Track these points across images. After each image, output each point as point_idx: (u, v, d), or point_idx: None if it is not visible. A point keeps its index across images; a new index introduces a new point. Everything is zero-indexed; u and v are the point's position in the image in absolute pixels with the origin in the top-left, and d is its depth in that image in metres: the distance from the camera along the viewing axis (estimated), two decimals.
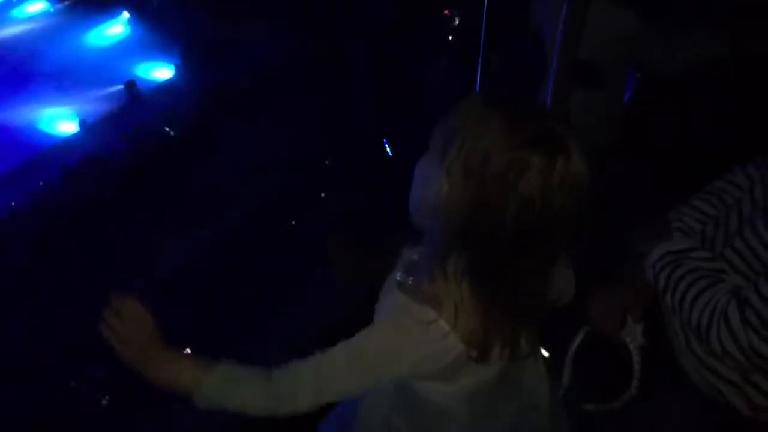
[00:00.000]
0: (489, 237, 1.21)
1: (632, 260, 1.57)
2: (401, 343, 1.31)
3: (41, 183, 9.98)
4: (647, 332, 1.68)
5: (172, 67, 14.40)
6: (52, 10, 16.34)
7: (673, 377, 1.62)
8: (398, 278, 1.37)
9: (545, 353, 1.51)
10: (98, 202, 9.96)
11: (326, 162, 9.30)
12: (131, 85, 14.43)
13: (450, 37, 11.26)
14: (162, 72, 14.81)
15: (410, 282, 1.33)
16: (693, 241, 1.52)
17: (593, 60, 2.85)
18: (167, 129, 11.43)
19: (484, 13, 2.72)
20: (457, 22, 11.43)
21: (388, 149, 6.27)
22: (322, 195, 7.96)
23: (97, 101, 13.27)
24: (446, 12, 11.75)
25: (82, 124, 12.62)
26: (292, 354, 1.36)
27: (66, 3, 16.23)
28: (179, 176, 9.81)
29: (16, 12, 16.43)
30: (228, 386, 1.36)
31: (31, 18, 16.29)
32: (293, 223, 5.67)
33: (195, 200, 9.14)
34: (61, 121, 12.79)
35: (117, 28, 15.45)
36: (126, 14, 15.47)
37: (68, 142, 12.25)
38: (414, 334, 1.29)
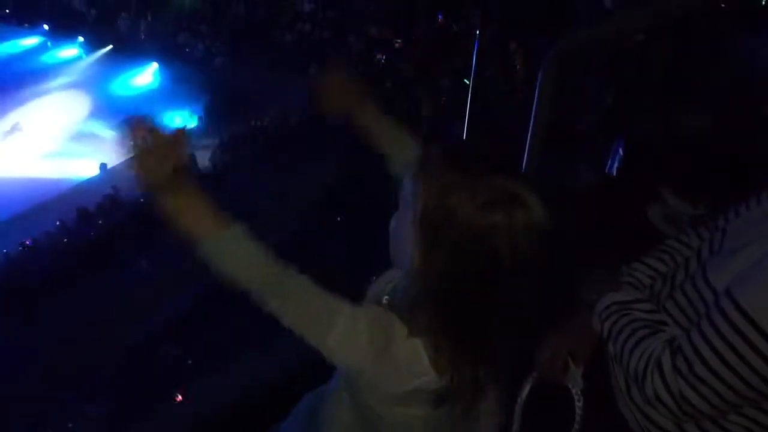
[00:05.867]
0: (459, 294, 1.21)
1: (582, 309, 1.55)
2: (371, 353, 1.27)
3: (58, 223, 10.13)
4: (586, 376, 1.60)
5: (196, 118, 14.70)
6: (84, 57, 16.80)
7: (613, 425, 1.52)
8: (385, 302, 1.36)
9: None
10: (111, 241, 10.02)
11: (338, 219, 9.34)
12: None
13: None
14: (185, 121, 14.98)
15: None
16: (639, 294, 1.51)
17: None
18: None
19: None
20: None
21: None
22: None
23: (118, 146, 13.40)
24: None
25: (103, 167, 12.82)
26: None
27: (100, 52, 16.68)
28: None
29: (48, 56, 16.83)
30: (233, 250, 1.29)
31: (63, 63, 16.68)
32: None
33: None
34: (84, 164, 12.97)
35: (146, 77, 15.77)
36: (155, 65, 15.87)
37: (87, 184, 12.39)
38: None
